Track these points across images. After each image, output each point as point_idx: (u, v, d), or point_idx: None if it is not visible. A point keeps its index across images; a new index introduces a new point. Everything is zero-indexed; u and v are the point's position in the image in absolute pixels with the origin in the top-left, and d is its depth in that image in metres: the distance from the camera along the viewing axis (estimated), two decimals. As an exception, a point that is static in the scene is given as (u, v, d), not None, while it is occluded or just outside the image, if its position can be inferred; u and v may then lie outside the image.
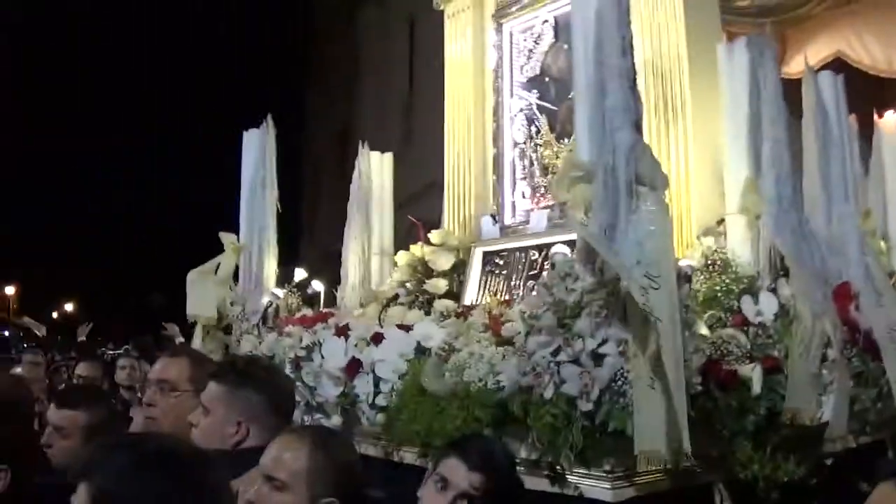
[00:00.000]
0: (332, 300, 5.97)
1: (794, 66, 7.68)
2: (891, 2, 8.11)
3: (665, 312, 3.09)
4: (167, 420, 3.71)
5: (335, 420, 4.32)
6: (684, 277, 3.35)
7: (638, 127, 3.36)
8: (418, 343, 4.24)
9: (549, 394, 3.24)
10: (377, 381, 4.16)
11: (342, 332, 4.49)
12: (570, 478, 3.37)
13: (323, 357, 4.42)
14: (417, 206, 16.45)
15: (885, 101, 4.30)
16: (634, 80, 3.40)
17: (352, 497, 2.77)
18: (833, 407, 3.60)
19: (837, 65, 8.26)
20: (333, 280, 5.98)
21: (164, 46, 46.62)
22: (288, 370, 4.63)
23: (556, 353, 3.25)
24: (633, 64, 3.41)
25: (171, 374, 3.83)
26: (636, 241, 3.20)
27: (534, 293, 3.55)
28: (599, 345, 3.18)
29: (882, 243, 4.58)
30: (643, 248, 3.19)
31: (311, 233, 32.65)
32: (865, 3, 8.26)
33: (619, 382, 3.14)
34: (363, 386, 4.18)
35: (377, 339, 4.28)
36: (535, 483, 3.37)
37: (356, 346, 4.34)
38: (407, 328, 4.41)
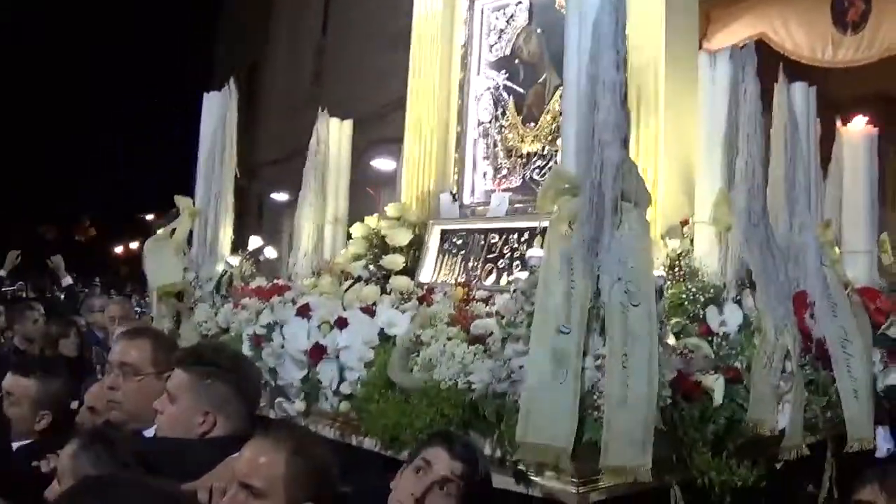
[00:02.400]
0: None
1: (715, 43, 7.77)
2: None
3: (644, 329, 3.16)
4: (130, 404, 3.71)
5: (298, 405, 4.32)
6: (658, 292, 3.40)
7: (626, 143, 3.39)
8: (381, 330, 4.26)
9: (524, 402, 3.29)
10: (342, 368, 4.16)
11: (304, 312, 4.46)
12: (535, 479, 3.43)
13: (284, 338, 4.39)
14: None
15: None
16: (625, 96, 3.42)
17: (327, 498, 2.81)
18: (790, 418, 3.73)
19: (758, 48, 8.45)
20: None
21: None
22: (246, 347, 4.60)
23: (533, 362, 3.30)
24: (626, 80, 3.42)
25: (133, 358, 3.81)
26: (619, 258, 3.25)
27: (511, 297, 3.58)
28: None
29: (837, 251, 4.70)
30: (625, 266, 3.25)
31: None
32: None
33: (595, 396, 3.20)
34: (328, 372, 4.17)
35: (342, 323, 4.26)
36: (500, 481, 3.41)
37: (319, 328, 4.32)
38: (370, 312, 4.41)
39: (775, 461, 3.81)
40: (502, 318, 3.61)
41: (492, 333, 3.64)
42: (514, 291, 3.55)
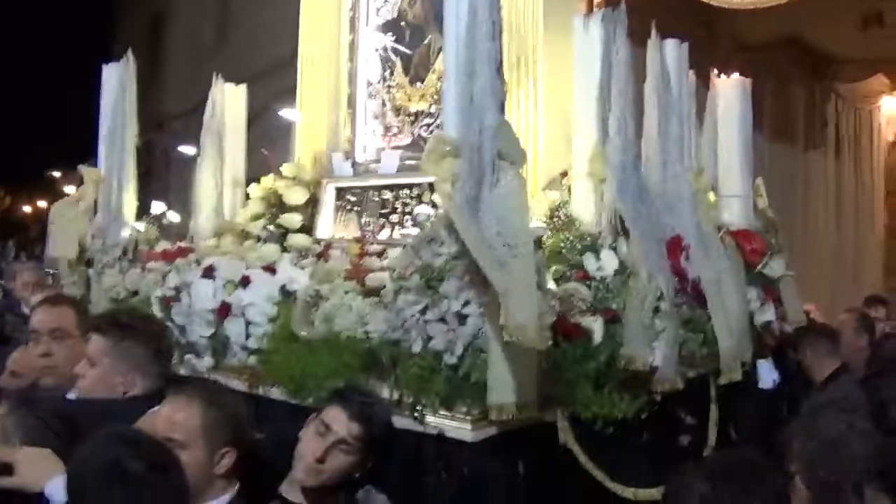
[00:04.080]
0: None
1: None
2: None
3: (524, 279, 3.41)
4: (66, 367, 3.89)
5: (207, 360, 4.52)
6: (536, 242, 3.65)
7: (502, 108, 3.61)
8: (283, 287, 4.47)
9: (417, 348, 3.55)
10: (248, 324, 4.37)
11: (209, 273, 4.65)
12: (432, 420, 3.69)
13: (192, 298, 4.58)
14: None
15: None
16: (501, 63, 3.64)
17: (243, 442, 3.06)
18: (663, 354, 4.04)
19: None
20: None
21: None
22: (156, 308, 4.78)
23: (423, 311, 3.56)
24: (501, 48, 3.65)
25: (63, 323, 4.03)
26: (497, 213, 3.48)
27: (400, 251, 3.80)
28: (463, 305, 3.49)
29: (711, 196, 5.01)
30: (503, 220, 3.48)
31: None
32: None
33: (480, 339, 3.47)
34: (235, 328, 4.39)
35: (245, 282, 4.47)
36: (400, 422, 3.64)
37: (224, 287, 4.51)
38: (272, 270, 4.61)
39: (654, 394, 4.12)
40: (393, 271, 3.83)
41: (384, 287, 3.86)
42: (405, 246, 3.78)
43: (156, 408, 3.10)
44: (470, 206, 3.48)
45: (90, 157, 6.14)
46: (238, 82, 6.01)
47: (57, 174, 39.86)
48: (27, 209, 45.89)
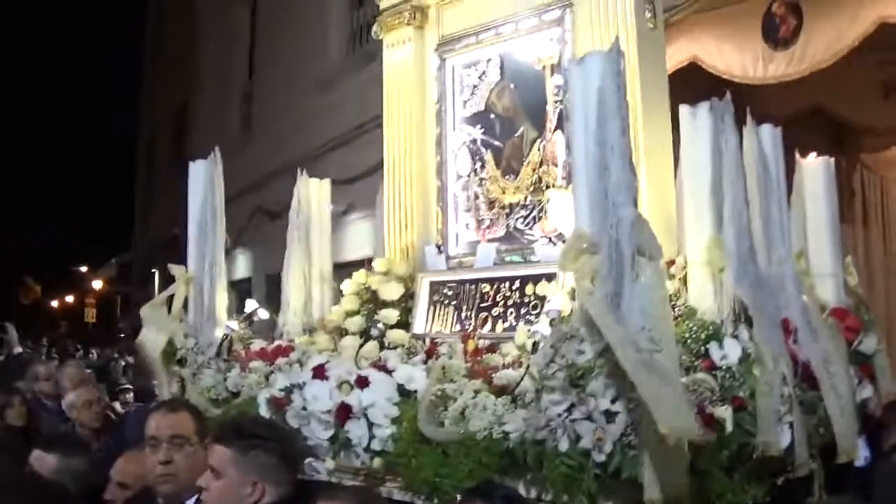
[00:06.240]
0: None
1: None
2: (746, 9, 8.55)
3: (671, 376, 3.43)
4: (184, 475, 3.88)
5: (329, 463, 4.51)
6: (673, 336, 3.67)
7: (636, 202, 3.67)
8: (401, 386, 4.48)
9: (564, 447, 3.56)
10: (370, 425, 4.37)
11: (320, 374, 4.66)
12: (571, 515, 3.69)
13: (306, 400, 4.58)
14: (261, 192, 16.56)
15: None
16: (631, 157, 3.71)
17: None
18: (797, 438, 4.03)
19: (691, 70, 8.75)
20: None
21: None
22: (264, 410, 4.79)
23: (569, 409, 3.57)
24: (630, 142, 3.71)
25: (182, 429, 4.00)
26: (640, 308, 3.52)
27: (540, 353, 3.82)
28: (611, 402, 3.51)
29: (810, 278, 5.03)
30: (647, 314, 3.52)
31: (145, 217, 32.26)
32: (722, 11, 8.69)
33: (630, 436, 3.48)
34: (357, 430, 4.38)
35: (362, 382, 4.47)
36: (537, 518, 3.68)
37: (340, 388, 4.52)
38: (383, 368, 4.63)
39: (776, 477, 4.11)
40: (523, 368, 3.85)
41: (518, 384, 3.88)
42: (541, 345, 3.81)
43: None
44: (611, 302, 3.51)
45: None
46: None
47: (83, 269, 40.16)
48: (55, 304, 46.10)
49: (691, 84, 7.45)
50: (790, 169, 5.22)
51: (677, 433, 3.24)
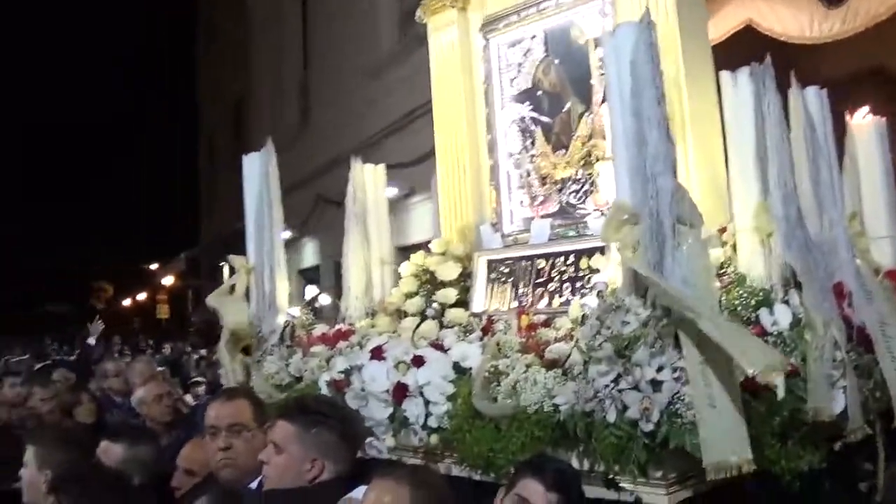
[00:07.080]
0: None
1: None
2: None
3: (714, 339, 3.45)
4: (243, 460, 4.01)
5: (389, 441, 4.60)
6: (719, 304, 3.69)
7: (674, 172, 3.69)
8: (456, 363, 4.55)
9: (612, 417, 3.60)
10: (427, 403, 4.45)
11: (378, 354, 4.75)
12: (626, 485, 3.73)
13: (364, 381, 4.68)
14: (323, 181, 16.71)
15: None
16: (668, 126, 3.72)
17: None
18: (849, 403, 4.01)
19: (748, 34, 8.63)
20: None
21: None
22: (325, 392, 4.89)
23: (616, 380, 3.61)
24: (666, 112, 3.73)
25: (240, 417, 4.13)
26: (681, 276, 3.55)
27: (587, 325, 3.86)
28: (657, 371, 3.54)
29: (865, 239, 4.98)
30: (688, 283, 3.55)
31: (210, 211, 32.69)
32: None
33: (677, 405, 3.51)
34: (414, 409, 4.47)
35: (418, 361, 4.56)
36: (592, 491, 3.71)
37: (396, 368, 4.61)
38: (440, 347, 4.70)
39: (832, 443, 4.08)
40: (574, 341, 3.89)
41: (569, 356, 3.92)
42: (588, 317, 3.85)
43: (346, 495, 3.22)
44: (654, 272, 3.54)
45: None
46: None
47: (154, 267, 40.89)
48: (127, 302, 47.04)
49: (750, 48, 7.36)
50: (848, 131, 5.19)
51: (768, 369, 3.32)
